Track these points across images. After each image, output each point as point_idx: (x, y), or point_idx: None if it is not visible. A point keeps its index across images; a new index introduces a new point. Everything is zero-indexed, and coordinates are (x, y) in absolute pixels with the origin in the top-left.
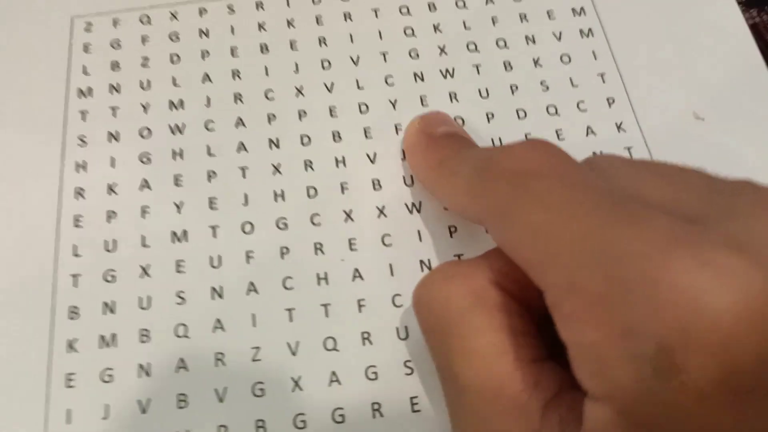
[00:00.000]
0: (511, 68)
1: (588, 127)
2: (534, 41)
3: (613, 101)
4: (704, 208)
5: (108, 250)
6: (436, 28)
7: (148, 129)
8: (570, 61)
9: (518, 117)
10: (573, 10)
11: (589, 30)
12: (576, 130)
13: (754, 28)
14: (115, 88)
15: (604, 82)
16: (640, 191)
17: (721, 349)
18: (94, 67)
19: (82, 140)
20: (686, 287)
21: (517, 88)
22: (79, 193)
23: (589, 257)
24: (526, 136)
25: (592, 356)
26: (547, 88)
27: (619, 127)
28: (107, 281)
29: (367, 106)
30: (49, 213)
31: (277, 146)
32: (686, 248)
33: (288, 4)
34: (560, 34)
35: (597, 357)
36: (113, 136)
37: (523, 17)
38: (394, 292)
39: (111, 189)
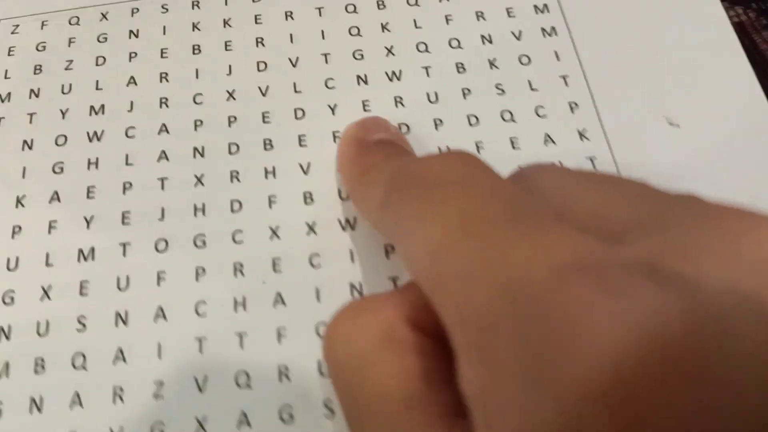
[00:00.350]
0: (464, 70)
1: (547, 135)
2: (490, 41)
3: (577, 106)
4: (631, 222)
5: (9, 269)
6: (383, 27)
7: (65, 136)
8: (530, 62)
9: (469, 123)
10: (535, 7)
11: (552, 29)
12: (533, 138)
13: (740, 27)
14: (34, 93)
15: (566, 85)
16: (563, 202)
17: (623, 405)
18: (15, 70)
19: None
20: (583, 321)
21: (469, 91)
22: None
23: (481, 281)
24: (477, 144)
25: (480, 404)
26: (503, 91)
27: (582, 135)
28: (5, 303)
29: (303, 112)
30: None
31: (202, 155)
32: (588, 270)
33: (226, 3)
34: (520, 32)
35: (485, 405)
36: (27, 145)
37: (479, 15)
38: (318, 320)
39: (19, 201)
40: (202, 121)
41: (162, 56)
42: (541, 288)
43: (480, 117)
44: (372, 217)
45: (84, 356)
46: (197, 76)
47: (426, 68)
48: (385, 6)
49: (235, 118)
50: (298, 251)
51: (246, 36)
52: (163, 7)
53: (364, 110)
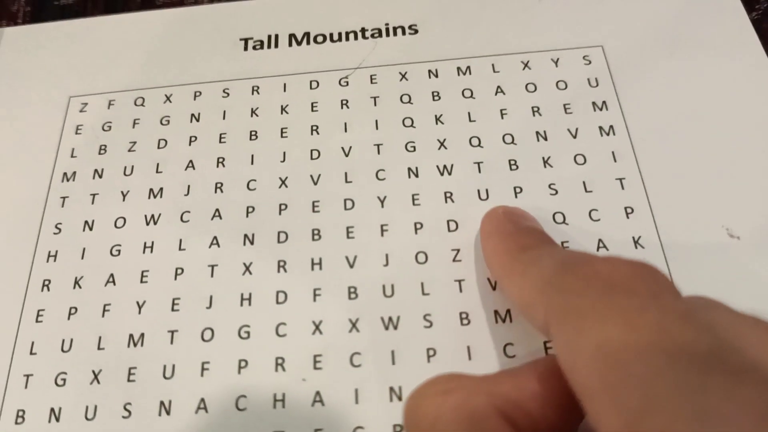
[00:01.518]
0: (516, 167)
1: (599, 240)
2: (545, 137)
3: (632, 211)
4: None
5: (63, 350)
6: (437, 119)
7: (123, 218)
8: (585, 161)
9: None
10: (594, 104)
11: (611, 128)
12: (585, 243)
13: None
14: (98, 174)
15: (622, 188)
16: (740, 344)
17: None
18: (82, 149)
19: (57, 228)
20: None
21: (521, 189)
22: (46, 285)
23: (665, 404)
24: None
25: None
26: (556, 191)
27: (636, 243)
28: (58, 385)
29: (352, 202)
30: (14, 308)
31: (252, 242)
32: None
33: (284, 89)
34: (576, 130)
35: None
36: (88, 226)
37: (535, 110)
38: (356, 424)
39: (77, 282)
40: (254, 208)
41: (220, 141)
42: None
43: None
44: (523, 297)
45: None
46: (252, 162)
47: (478, 164)
48: (439, 97)
49: (286, 205)
50: (340, 348)
51: (301, 123)
52: (224, 91)
53: (414, 204)
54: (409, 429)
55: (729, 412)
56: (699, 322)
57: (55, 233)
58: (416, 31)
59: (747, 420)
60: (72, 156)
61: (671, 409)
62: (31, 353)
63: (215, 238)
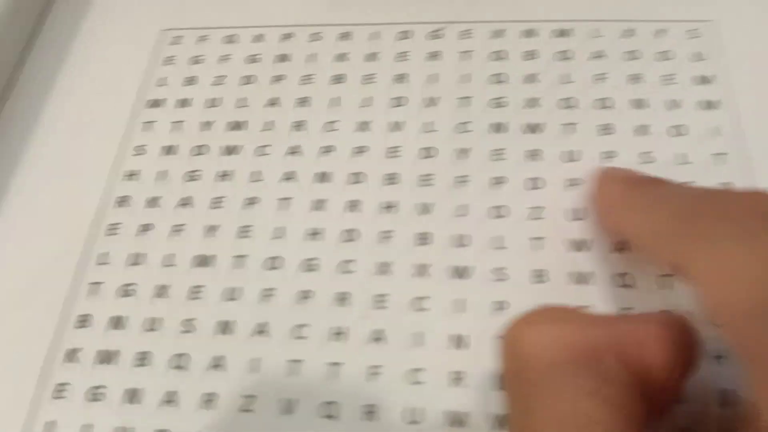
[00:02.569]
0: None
1: None
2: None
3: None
4: None
5: (133, 264)
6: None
7: (206, 146)
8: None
9: None
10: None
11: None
12: None
13: None
14: (184, 103)
15: (724, 163)
16: None
17: None
18: (171, 79)
19: (139, 150)
20: None
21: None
22: (120, 202)
23: None
24: None
25: None
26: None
27: None
28: (126, 295)
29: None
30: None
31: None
32: None
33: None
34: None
35: None
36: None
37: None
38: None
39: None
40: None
41: (304, 83)
42: None
43: None
44: (649, 231)
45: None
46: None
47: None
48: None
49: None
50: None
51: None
52: (313, 36)
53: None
54: (509, 359)
55: None
56: None
57: (134, 155)
58: None
59: None
60: (159, 86)
61: None
62: (101, 263)
63: (291, 173)
